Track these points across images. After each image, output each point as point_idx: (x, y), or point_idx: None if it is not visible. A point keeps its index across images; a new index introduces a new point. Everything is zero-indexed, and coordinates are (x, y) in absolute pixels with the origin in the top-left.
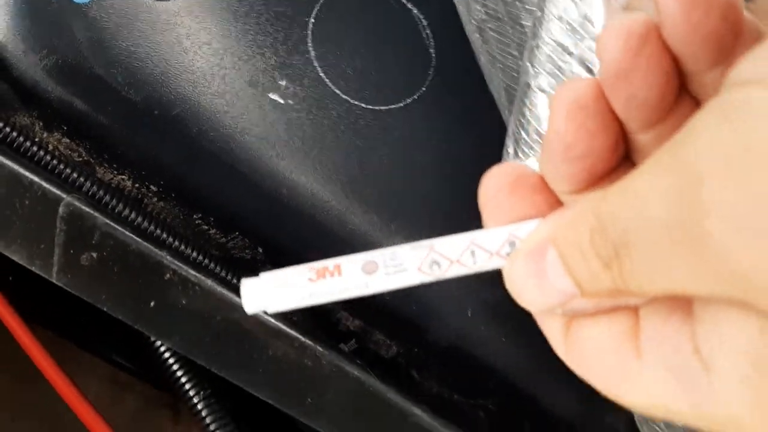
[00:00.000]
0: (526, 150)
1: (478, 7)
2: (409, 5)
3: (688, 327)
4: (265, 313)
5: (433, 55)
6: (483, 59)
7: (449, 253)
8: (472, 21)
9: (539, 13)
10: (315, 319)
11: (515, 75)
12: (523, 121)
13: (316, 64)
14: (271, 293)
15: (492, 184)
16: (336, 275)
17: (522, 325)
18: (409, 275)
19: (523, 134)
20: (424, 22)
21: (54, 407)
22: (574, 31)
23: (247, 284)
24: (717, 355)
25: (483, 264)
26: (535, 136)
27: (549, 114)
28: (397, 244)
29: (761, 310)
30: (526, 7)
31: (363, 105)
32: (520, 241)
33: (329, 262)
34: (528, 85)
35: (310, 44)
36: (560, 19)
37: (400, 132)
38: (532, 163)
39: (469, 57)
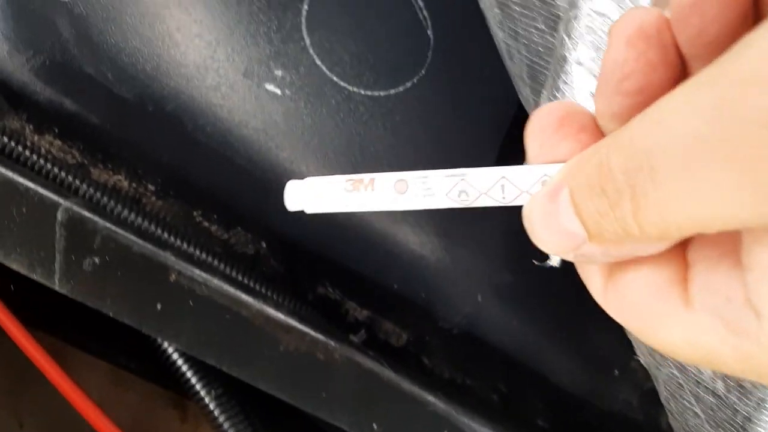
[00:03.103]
0: None
1: None
2: None
3: (738, 275)
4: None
5: (431, 36)
6: (501, 35)
7: (479, 184)
8: None
9: None
10: (323, 311)
11: (540, 50)
12: (558, 95)
13: (311, 51)
14: (310, 196)
15: (540, 120)
16: (369, 189)
17: (532, 306)
18: (437, 200)
19: None
20: (420, 3)
21: (60, 410)
22: None
23: (290, 185)
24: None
25: (510, 199)
26: None
27: (608, 42)
28: (406, 230)
29: None
30: None
31: (362, 91)
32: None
33: (365, 176)
34: (564, 59)
35: (304, 31)
36: None
37: (402, 116)
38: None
39: (467, 35)
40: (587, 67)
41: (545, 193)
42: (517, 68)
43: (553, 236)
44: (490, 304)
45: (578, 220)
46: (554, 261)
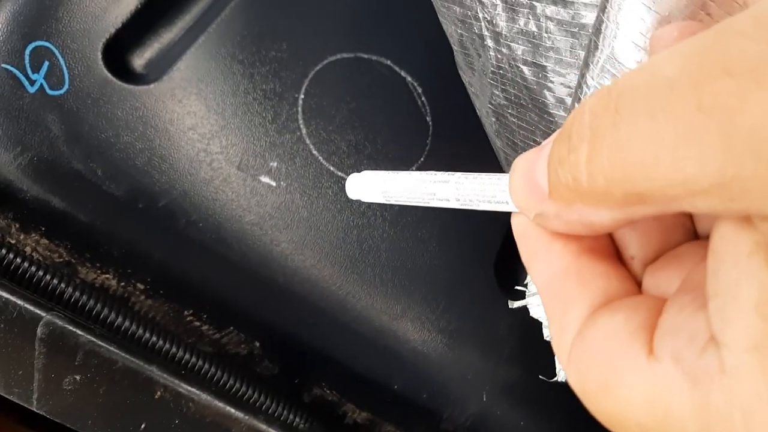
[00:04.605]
0: None
1: (497, 92)
2: (403, 73)
3: (704, 312)
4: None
5: (430, 123)
6: (499, 143)
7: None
8: (489, 105)
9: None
10: (320, 414)
11: None
12: None
13: (308, 141)
14: (366, 187)
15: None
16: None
17: (542, 407)
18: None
19: None
20: (419, 90)
21: None
22: None
23: (350, 179)
24: (728, 323)
25: None
26: None
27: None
28: (406, 326)
29: None
30: (556, 95)
31: None
32: None
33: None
34: None
35: (300, 121)
36: None
37: (401, 206)
38: None
39: (467, 120)
40: None
41: (540, 145)
42: None
43: (524, 187)
44: (496, 404)
45: (545, 171)
46: (561, 377)
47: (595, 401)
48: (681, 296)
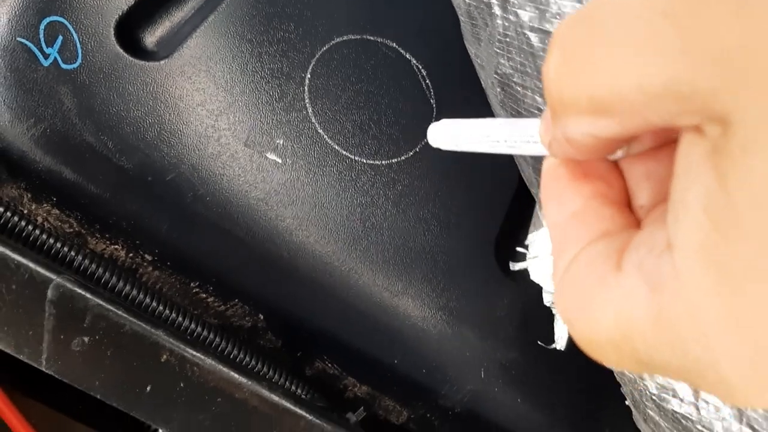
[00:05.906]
0: None
1: (503, 61)
2: (408, 55)
3: (665, 225)
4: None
5: (434, 104)
6: (503, 114)
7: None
8: (495, 75)
9: None
10: (321, 387)
11: None
12: None
13: (313, 120)
14: (442, 136)
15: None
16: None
17: (538, 385)
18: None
19: None
20: (423, 72)
21: None
22: None
23: (432, 127)
24: (679, 226)
25: None
26: None
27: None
28: (407, 303)
29: (722, 117)
30: None
31: (363, 160)
32: None
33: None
34: None
35: (307, 100)
36: None
37: (403, 186)
38: None
39: (469, 105)
40: None
41: None
42: None
43: (543, 120)
44: (494, 381)
45: None
46: (559, 344)
47: (575, 326)
48: (651, 218)
